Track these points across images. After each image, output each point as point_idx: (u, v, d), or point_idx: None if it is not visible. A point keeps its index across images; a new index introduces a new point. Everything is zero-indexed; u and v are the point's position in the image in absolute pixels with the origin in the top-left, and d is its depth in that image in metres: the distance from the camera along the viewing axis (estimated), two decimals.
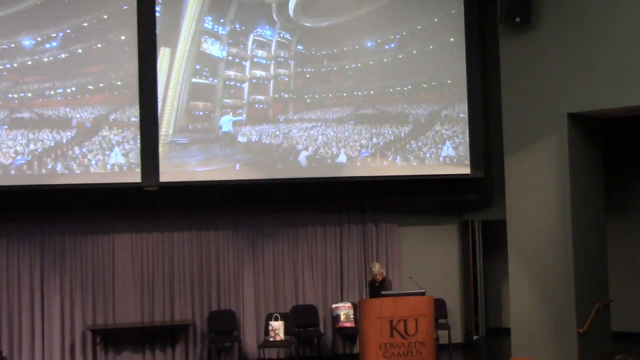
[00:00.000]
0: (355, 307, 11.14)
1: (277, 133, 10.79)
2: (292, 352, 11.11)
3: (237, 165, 10.66)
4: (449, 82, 11.13)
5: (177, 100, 10.55)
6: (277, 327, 10.77)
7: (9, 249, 10.93)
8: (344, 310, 11.26)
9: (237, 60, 10.79)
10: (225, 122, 10.68)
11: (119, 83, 10.41)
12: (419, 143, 11.04)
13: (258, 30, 10.84)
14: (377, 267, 10.25)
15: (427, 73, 11.12)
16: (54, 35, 10.28)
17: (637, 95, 9.28)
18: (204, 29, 10.69)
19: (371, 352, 9.13)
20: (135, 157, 10.37)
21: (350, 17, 11.04)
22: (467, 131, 11.09)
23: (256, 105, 10.87)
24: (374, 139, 10.96)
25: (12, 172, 10.14)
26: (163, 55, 10.49)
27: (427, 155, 11.03)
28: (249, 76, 10.84)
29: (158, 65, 10.43)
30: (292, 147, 10.80)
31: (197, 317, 11.30)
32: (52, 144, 10.23)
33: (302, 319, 11.35)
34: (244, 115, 10.78)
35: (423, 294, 9.54)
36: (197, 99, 10.67)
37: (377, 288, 10.03)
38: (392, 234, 11.83)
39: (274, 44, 10.87)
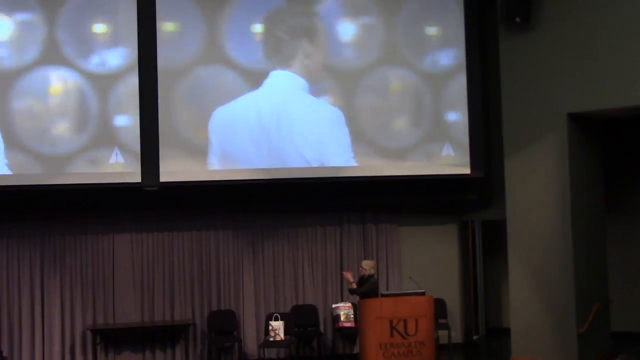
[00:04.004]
0: (355, 307, 11.13)
1: (277, 133, 10.76)
2: (292, 352, 11.12)
3: (237, 165, 10.65)
4: (448, 82, 11.11)
5: (177, 98, 10.53)
6: (277, 327, 10.77)
7: (9, 248, 10.94)
8: (344, 310, 11.26)
9: None
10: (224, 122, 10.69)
11: (118, 82, 10.42)
12: (419, 143, 11.01)
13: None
14: (362, 263, 10.05)
15: (426, 73, 11.09)
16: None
17: (637, 95, 9.28)
18: None
19: (371, 352, 9.13)
20: (135, 157, 10.37)
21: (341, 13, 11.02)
22: (467, 131, 11.08)
23: None
24: (373, 139, 10.93)
25: (12, 172, 10.15)
26: None
27: (427, 155, 11.01)
28: None
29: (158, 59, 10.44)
30: (292, 147, 10.77)
31: (197, 317, 11.30)
32: (51, 144, 10.24)
33: (302, 319, 11.35)
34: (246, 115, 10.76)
35: (423, 294, 9.53)
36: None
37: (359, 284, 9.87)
38: (392, 234, 11.83)
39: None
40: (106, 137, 10.34)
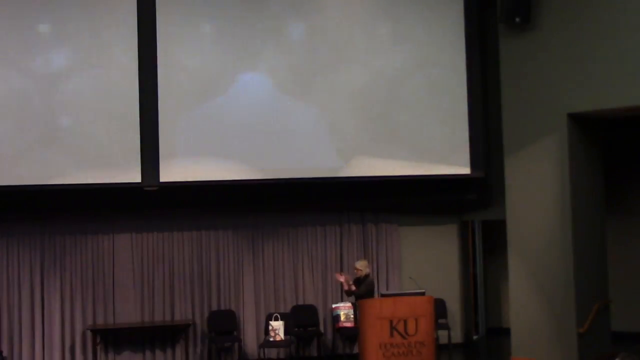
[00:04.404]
0: (355, 307, 11.12)
1: (277, 132, 10.75)
2: (292, 352, 11.12)
3: (238, 165, 10.64)
4: (448, 82, 11.10)
5: (177, 98, 10.53)
6: (277, 327, 10.77)
7: (9, 248, 10.95)
8: (344, 310, 11.25)
9: None
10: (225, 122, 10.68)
11: (118, 82, 10.41)
12: (419, 142, 11.01)
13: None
14: (357, 264, 10.06)
15: (427, 73, 11.08)
16: None
17: (637, 95, 9.27)
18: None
19: (371, 352, 9.13)
20: (135, 157, 10.36)
21: (347, 18, 10.99)
22: (467, 131, 11.07)
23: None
24: (374, 139, 10.93)
25: (12, 171, 10.14)
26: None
27: (427, 155, 11.00)
28: None
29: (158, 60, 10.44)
30: (292, 147, 10.77)
31: (197, 317, 11.30)
32: (52, 144, 10.23)
33: (302, 319, 11.36)
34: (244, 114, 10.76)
35: (423, 294, 9.54)
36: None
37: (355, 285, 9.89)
38: (392, 234, 11.83)
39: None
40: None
